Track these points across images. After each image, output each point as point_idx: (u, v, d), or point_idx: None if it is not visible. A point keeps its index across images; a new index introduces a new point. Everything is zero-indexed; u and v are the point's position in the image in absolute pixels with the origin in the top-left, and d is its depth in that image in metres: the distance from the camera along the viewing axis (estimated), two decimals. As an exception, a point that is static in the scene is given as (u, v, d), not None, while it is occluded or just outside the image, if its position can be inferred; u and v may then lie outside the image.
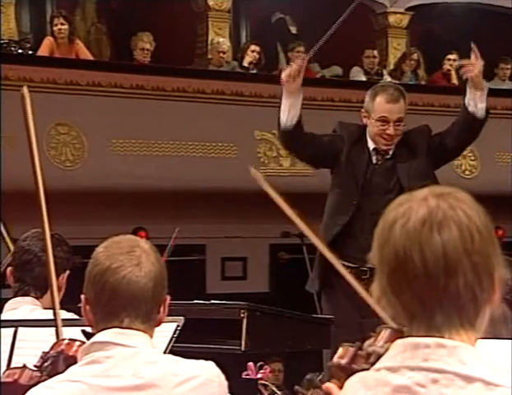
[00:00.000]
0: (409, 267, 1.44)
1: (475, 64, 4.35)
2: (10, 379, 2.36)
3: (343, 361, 1.69)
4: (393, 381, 1.44)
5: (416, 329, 1.47)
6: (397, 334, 1.56)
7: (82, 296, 2.07)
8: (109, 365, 1.97)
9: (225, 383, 2.07)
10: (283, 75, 4.25)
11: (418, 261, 1.44)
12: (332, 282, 4.35)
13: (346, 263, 4.31)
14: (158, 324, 2.08)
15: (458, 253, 1.44)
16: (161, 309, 2.06)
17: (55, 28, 8.20)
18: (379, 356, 1.56)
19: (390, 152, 4.42)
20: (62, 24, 8.15)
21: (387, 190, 4.32)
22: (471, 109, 4.35)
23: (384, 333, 1.68)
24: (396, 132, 4.36)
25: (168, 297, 2.09)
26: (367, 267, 4.25)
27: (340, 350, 1.72)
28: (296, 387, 1.78)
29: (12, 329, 2.59)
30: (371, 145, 4.42)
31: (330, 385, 1.69)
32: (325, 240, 4.39)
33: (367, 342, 1.71)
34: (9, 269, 3.17)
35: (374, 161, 4.41)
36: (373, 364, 1.58)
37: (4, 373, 2.40)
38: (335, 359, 1.71)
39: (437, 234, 1.44)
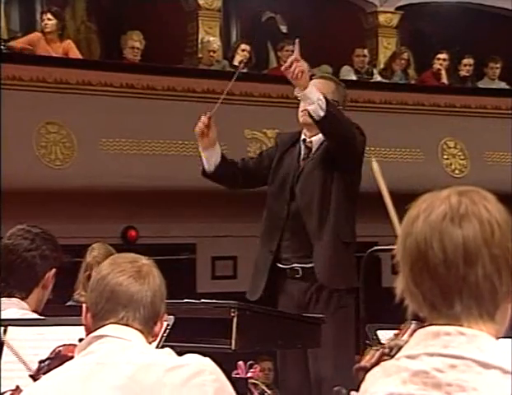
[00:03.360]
0: (429, 256, 1.49)
1: (300, 60, 4.01)
2: None
3: (369, 363, 1.71)
4: (412, 367, 1.48)
5: (436, 319, 1.50)
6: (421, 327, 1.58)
7: (83, 306, 2.12)
8: (102, 354, 2.00)
9: (220, 375, 2.05)
10: (196, 129, 4.26)
11: (438, 249, 1.48)
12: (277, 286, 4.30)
13: (281, 266, 4.27)
14: (154, 338, 2.13)
15: (477, 244, 1.48)
16: (158, 323, 2.11)
17: (43, 23, 8.20)
18: (400, 348, 1.60)
19: (313, 140, 4.30)
20: (49, 19, 8.15)
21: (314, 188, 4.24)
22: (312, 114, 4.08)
23: (407, 329, 1.72)
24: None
25: (166, 316, 2.16)
26: (299, 266, 4.22)
27: (367, 355, 1.75)
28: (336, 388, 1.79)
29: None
30: (303, 136, 4.36)
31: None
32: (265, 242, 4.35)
33: (389, 338, 1.74)
34: None
35: (302, 154, 4.33)
36: (394, 356, 1.61)
37: None
38: (362, 362, 1.73)
39: (458, 226, 1.49)
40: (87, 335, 2.10)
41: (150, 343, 2.10)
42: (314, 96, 4.03)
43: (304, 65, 4.08)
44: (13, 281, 3.05)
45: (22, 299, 3.04)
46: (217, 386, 2.00)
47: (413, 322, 1.70)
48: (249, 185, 4.59)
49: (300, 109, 4.28)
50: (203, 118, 4.25)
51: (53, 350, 2.41)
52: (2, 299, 3.04)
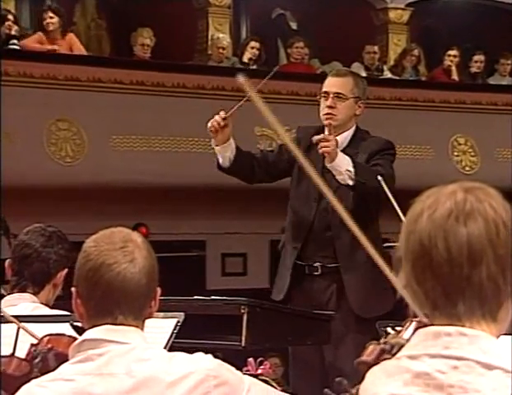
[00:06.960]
0: (433, 255, 1.46)
1: (330, 140, 4.04)
2: None
3: (370, 358, 1.70)
4: (414, 368, 1.46)
5: (438, 318, 1.48)
6: (422, 326, 1.57)
7: (73, 289, 2.05)
8: (101, 362, 1.95)
9: (226, 373, 2.01)
10: (209, 125, 4.16)
11: (442, 248, 1.45)
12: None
13: (301, 263, 4.20)
14: (149, 317, 2.07)
15: (482, 243, 1.45)
16: (153, 303, 2.05)
17: (45, 22, 8.16)
18: (402, 347, 1.57)
19: (337, 138, 4.15)
20: (51, 17, 8.12)
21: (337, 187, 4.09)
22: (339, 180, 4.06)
23: (409, 326, 1.70)
24: (335, 104, 4.20)
25: (159, 289, 2.07)
26: (320, 264, 4.15)
27: (369, 348, 1.73)
28: (326, 390, 1.78)
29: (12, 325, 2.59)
30: (326, 132, 4.23)
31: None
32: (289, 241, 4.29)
33: (391, 335, 1.72)
34: (7, 261, 3.16)
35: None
36: (395, 355, 1.59)
37: None
38: (363, 357, 1.72)
39: (463, 224, 1.46)
40: (80, 317, 2.04)
41: (143, 327, 2.04)
42: (342, 168, 4.01)
43: (331, 144, 4.02)
44: (27, 273, 3.08)
45: (34, 294, 3.07)
46: (222, 391, 1.97)
47: (414, 319, 1.68)
48: (266, 179, 4.45)
49: (322, 113, 4.24)
50: (218, 118, 4.15)
51: (42, 340, 2.39)
52: (14, 295, 3.07)
